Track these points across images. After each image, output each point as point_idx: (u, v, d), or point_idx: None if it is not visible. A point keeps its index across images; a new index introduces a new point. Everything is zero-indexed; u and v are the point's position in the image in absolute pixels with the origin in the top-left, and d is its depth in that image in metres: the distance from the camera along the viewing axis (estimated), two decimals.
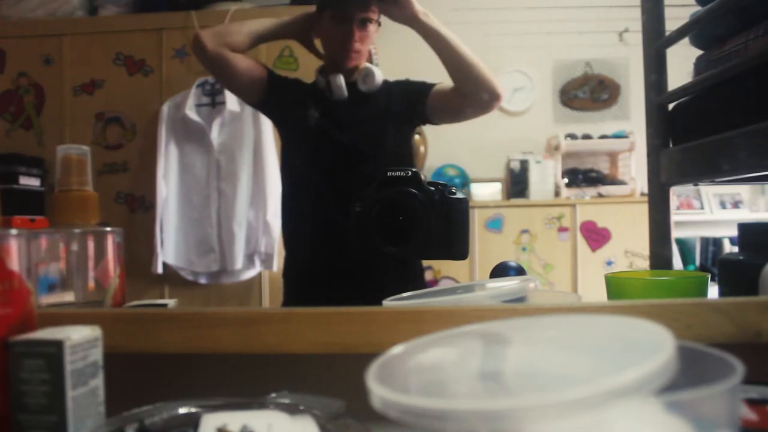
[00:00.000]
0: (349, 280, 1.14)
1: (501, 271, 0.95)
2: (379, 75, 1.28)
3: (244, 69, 1.28)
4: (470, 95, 1.23)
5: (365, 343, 0.56)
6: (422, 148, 3.10)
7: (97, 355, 0.48)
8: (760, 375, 0.43)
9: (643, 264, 2.80)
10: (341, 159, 1.25)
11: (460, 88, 1.24)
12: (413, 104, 1.30)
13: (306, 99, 1.28)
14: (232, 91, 1.43)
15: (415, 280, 1.27)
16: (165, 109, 2.25)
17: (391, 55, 2.94)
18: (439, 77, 1.29)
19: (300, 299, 1.26)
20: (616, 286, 0.75)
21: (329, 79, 1.26)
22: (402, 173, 0.90)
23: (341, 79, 1.25)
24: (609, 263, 2.91)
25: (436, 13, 1.26)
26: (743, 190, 3.34)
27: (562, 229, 2.95)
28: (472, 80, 1.22)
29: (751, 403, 0.44)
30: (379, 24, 1.26)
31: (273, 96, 1.30)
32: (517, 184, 3.12)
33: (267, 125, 2.23)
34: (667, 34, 1.07)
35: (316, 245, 1.25)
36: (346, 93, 1.25)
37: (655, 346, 0.31)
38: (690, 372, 0.34)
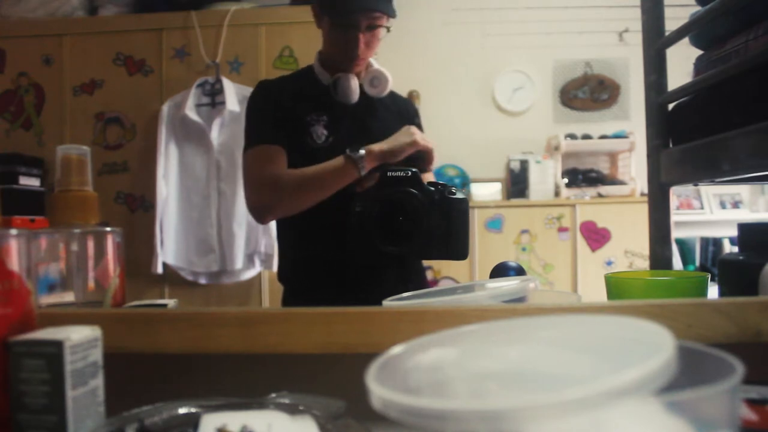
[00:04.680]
0: (360, 279, 1.11)
1: (501, 271, 0.95)
2: (390, 79, 1.19)
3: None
4: None
5: (365, 343, 0.56)
6: None
7: (97, 355, 0.48)
8: (760, 375, 0.43)
9: (643, 264, 2.80)
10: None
11: None
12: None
13: (307, 101, 1.17)
14: None
15: (416, 279, 1.23)
16: (165, 109, 2.25)
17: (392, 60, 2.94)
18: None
19: (312, 297, 1.17)
20: (616, 286, 0.75)
21: (337, 79, 1.16)
22: (402, 173, 0.91)
23: (356, 81, 1.16)
24: (609, 263, 2.92)
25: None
26: (743, 190, 3.34)
27: (562, 229, 2.95)
28: None
29: (751, 403, 0.44)
30: (388, 29, 1.17)
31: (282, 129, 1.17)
32: (517, 184, 3.13)
33: None
34: (667, 34, 1.07)
35: (330, 243, 1.14)
36: (357, 97, 1.16)
37: (655, 346, 0.31)
38: (690, 372, 0.34)
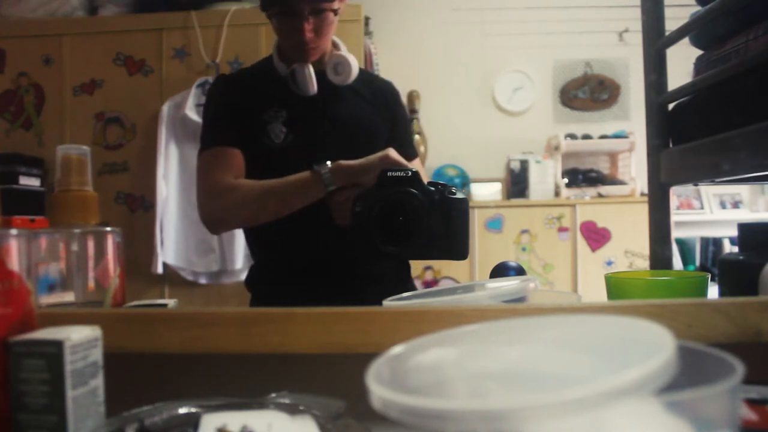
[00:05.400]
0: (336, 282, 1.08)
1: (501, 271, 0.95)
2: (355, 64, 1.10)
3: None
4: None
5: (365, 343, 0.56)
6: (422, 148, 3.10)
7: (97, 355, 0.48)
8: (760, 375, 0.42)
9: (643, 264, 2.80)
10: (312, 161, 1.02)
11: None
12: (397, 119, 1.19)
13: (264, 97, 1.10)
14: None
15: (406, 281, 1.20)
16: (165, 109, 2.25)
17: (393, 56, 2.94)
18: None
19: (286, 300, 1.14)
20: (616, 286, 0.75)
21: (294, 69, 1.08)
22: (402, 173, 0.90)
23: (311, 71, 1.07)
24: (609, 263, 2.92)
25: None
26: (743, 190, 3.35)
27: (562, 229, 2.95)
28: None
29: (751, 403, 0.44)
30: (335, 12, 1.06)
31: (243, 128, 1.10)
32: (517, 184, 3.13)
33: None
34: (667, 34, 1.07)
35: (305, 246, 1.11)
36: (315, 89, 1.08)
37: (655, 346, 0.31)
38: (690, 372, 0.34)
